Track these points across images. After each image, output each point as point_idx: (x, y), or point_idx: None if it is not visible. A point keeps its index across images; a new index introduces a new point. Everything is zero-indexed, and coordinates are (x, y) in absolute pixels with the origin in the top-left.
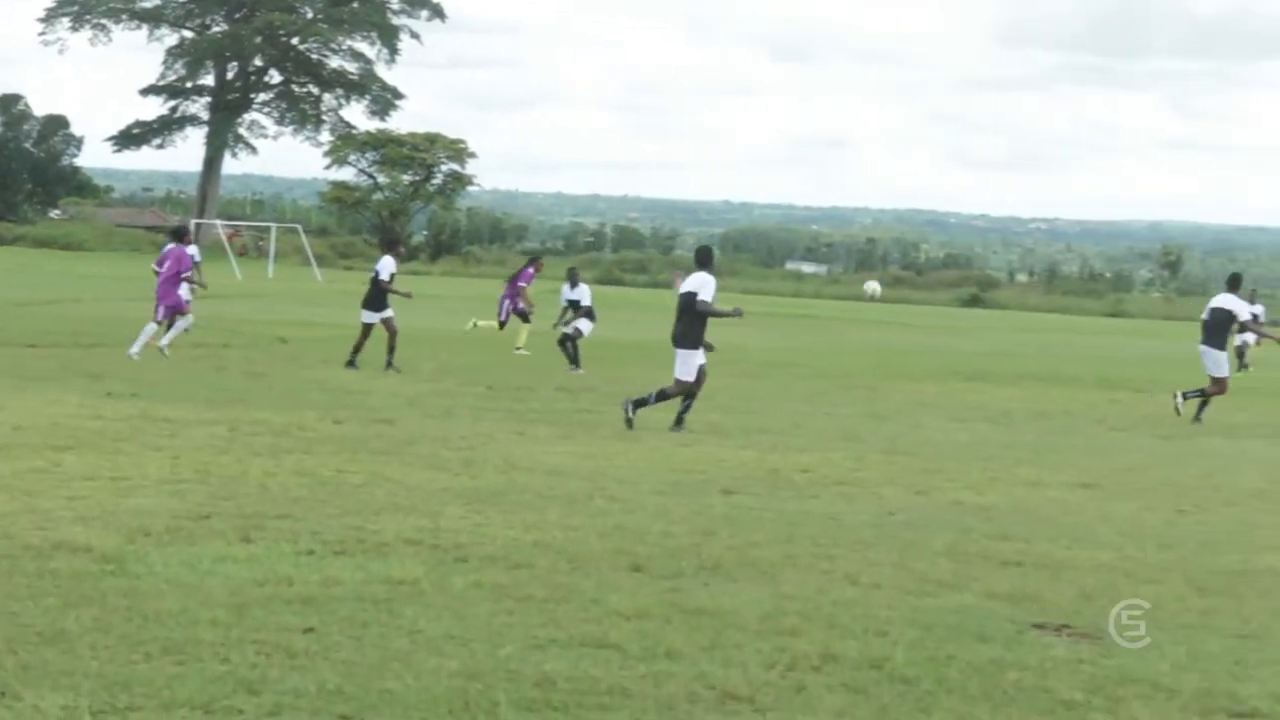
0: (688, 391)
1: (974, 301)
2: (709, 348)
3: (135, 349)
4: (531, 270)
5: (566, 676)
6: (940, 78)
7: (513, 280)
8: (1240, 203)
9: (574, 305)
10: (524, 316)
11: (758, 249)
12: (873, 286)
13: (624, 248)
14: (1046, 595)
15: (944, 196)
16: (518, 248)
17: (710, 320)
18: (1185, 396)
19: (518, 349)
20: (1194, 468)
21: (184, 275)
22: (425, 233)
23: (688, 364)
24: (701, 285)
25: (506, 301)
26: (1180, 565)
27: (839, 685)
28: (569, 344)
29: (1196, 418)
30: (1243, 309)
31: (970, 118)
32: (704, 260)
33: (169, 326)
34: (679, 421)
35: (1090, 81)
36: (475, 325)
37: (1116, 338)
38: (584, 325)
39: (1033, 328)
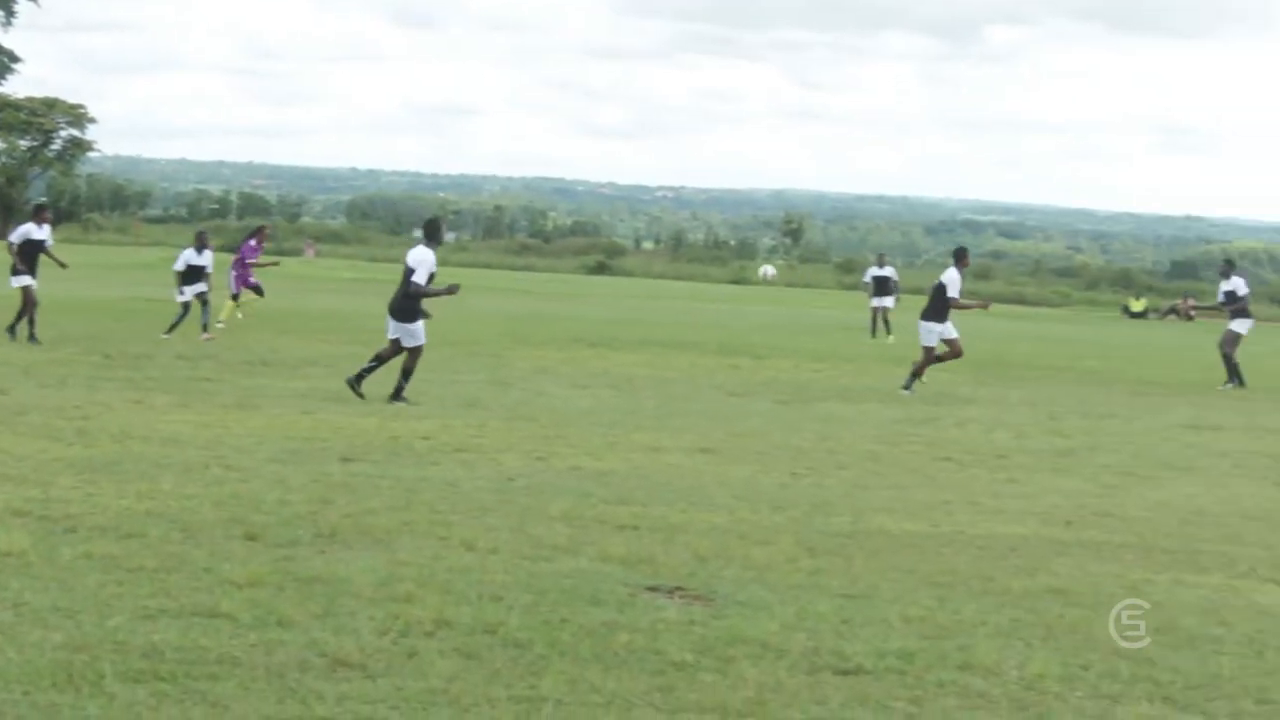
0: (386, 356)
1: (600, 269)
2: (426, 315)
3: None
4: (254, 242)
5: (175, 646)
6: (563, 45)
7: (239, 254)
8: (859, 172)
9: (199, 271)
10: (257, 290)
11: (385, 217)
12: (767, 270)
13: (250, 215)
14: (661, 558)
15: (571, 164)
16: (140, 214)
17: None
18: (908, 387)
19: (219, 322)
20: (810, 431)
21: None
22: (44, 199)
23: (414, 333)
24: (419, 263)
25: (234, 274)
26: (792, 527)
27: (451, 650)
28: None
29: (907, 385)
30: (953, 283)
31: (594, 86)
32: (429, 233)
33: None
34: (359, 378)
35: (712, 51)
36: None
37: (739, 304)
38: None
39: (658, 295)
